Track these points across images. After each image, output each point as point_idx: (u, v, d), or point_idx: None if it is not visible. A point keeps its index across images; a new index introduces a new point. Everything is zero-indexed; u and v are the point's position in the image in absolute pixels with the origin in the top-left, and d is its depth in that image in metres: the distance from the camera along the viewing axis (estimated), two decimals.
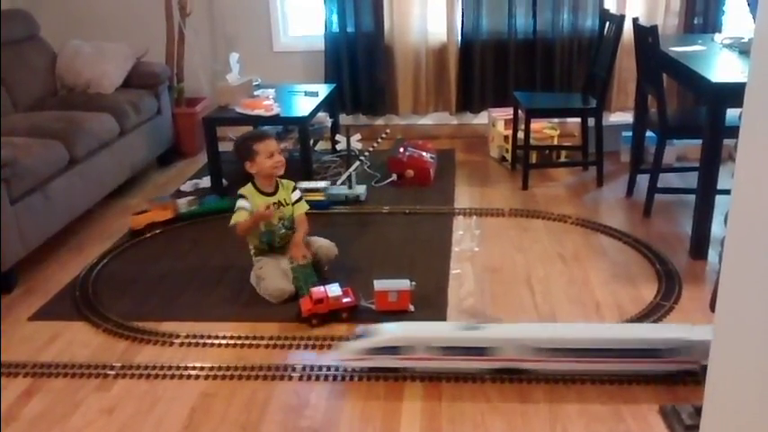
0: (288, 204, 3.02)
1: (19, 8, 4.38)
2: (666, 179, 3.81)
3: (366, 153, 4.18)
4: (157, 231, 3.59)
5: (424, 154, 4.27)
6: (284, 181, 3.07)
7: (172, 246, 3.45)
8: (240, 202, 2.96)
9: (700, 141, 3.13)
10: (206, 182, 4.15)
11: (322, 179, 4.11)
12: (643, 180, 3.70)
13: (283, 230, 3.01)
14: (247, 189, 3.00)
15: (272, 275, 2.87)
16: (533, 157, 4.26)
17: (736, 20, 4.44)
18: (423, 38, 4.82)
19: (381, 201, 3.90)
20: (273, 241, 3.00)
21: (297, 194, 3.08)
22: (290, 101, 4.28)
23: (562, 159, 4.45)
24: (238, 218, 2.93)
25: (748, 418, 1.07)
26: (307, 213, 3.07)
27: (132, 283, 3.08)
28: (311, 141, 4.23)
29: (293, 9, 5.07)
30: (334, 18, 4.77)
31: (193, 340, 2.61)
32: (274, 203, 2.96)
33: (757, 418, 1.03)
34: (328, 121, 4.61)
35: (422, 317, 2.70)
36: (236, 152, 3.04)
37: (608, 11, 4.22)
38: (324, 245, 3.03)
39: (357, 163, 3.99)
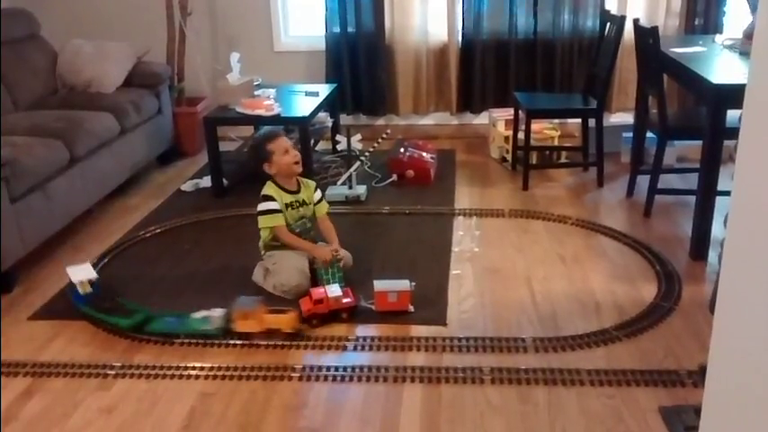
0: (309, 203, 3.01)
1: (20, 7, 4.38)
2: (667, 180, 3.81)
3: (366, 153, 4.18)
4: (158, 231, 3.60)
5: (424, 154, 4.27)
6: (305, 180, 3.05)
7: (172, 245, 3.45)
8: (270, 204, 2.91)
9: (700, 142, 3.13)
10: (206, 182, 4.14)
11: (322, 179, 4.11)
12: (643, 181, 3.70)
13: (299, 230, 2.99)
14: (271, 189, 2.95)
15: (287, 271, 2.85)
16: (534, 158, 4.26)
17: (736, 21, 4.43)
18: (423, 38, 4.82)
19: (382, 201, 3.90)
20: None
21: (318, 194, 3.06)
22: (291, 101, 4.27)
23: (562, 160, 4.45)
24: (274, 222, 2.89)
25: (748, 421, 1.07)
26: None
27: (132, 282, 3.07)
28: (312, 141, 4.23)
29: (294, 9, 5.07)
30: (335, 18, 4.77)
31: (193, 340, 2.60)
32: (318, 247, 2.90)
33: (757, 420, 1.03)
34: (329, 121, 4.61)
35: (421, 317, 2.71)
36: (252, 158, 3.01)
37: (609, 11, 4.22)
38: (346, 255, 2.99)
39: (357, 163, 3.99)
